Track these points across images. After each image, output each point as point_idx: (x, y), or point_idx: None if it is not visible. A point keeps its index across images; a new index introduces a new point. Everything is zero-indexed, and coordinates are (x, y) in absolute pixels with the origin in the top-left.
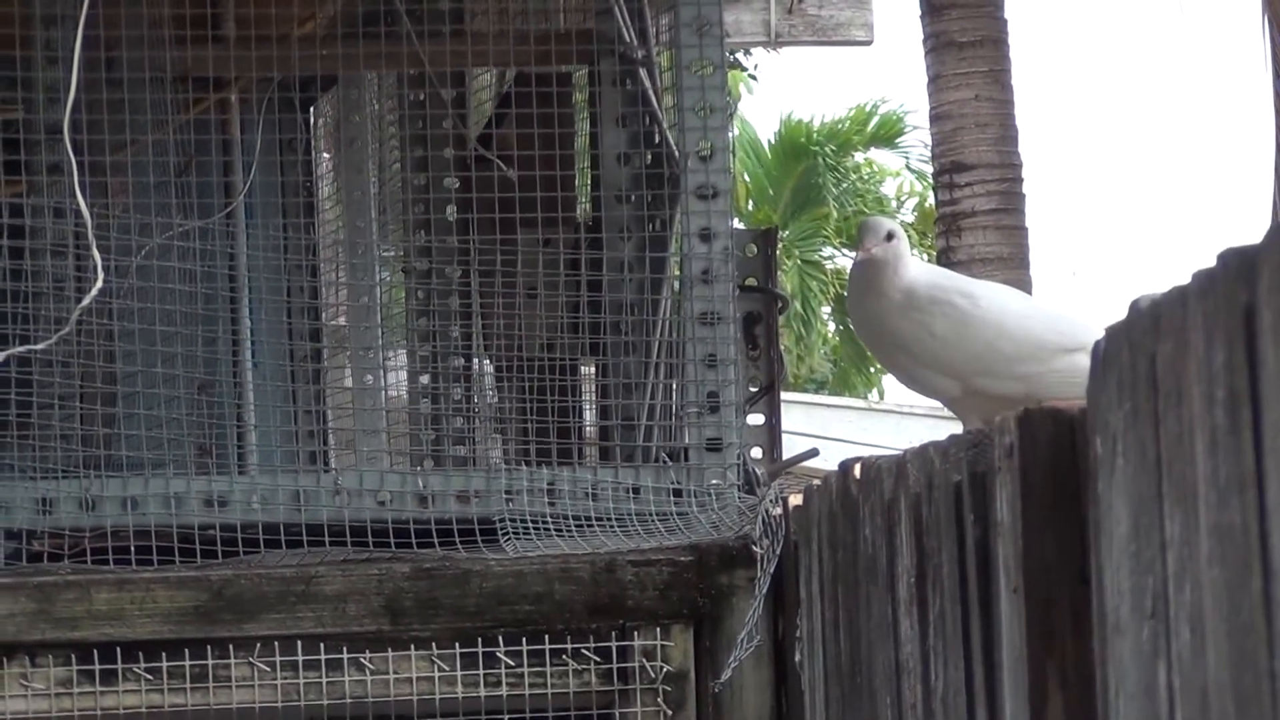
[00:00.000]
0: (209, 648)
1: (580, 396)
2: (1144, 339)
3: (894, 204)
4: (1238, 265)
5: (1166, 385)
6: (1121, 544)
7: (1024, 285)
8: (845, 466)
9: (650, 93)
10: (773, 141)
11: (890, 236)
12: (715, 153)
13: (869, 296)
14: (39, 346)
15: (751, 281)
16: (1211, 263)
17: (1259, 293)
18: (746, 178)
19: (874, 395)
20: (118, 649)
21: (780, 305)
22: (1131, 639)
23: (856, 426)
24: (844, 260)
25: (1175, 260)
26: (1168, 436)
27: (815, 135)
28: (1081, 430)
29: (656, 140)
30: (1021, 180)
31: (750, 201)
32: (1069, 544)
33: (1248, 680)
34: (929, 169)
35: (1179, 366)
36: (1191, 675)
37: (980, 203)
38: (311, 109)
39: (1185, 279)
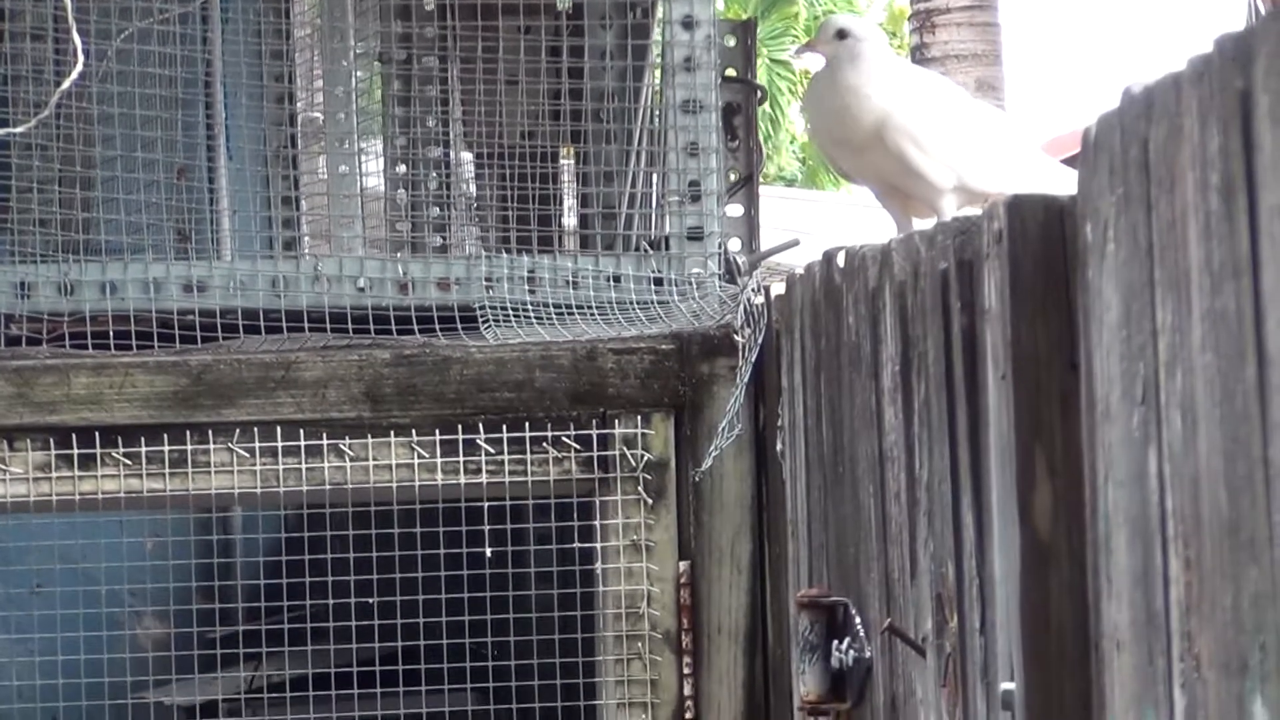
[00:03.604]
0: (188, 433)
1: (560, 185)
2: (1136, 124)
3: (863, 3)
4: (1234, 50)
5: (1159, 171)
6: (1112, 330)
7: (997, 81)
8: (829, 255)
9: None
10: None
11: (842, 35)
12: None
13: (864, 90)
14: (18, 130)
15: (731, 72)
16: (1206, 48)
17: (1255, 77)
18: None
19: (843, 192)
20: (96, 433)
21: (759, 96)
22: (1121, 426)
23: (829, 220)
24: (812, 58)
25: (1152, 60)
26: (1160, 222)
27: None
28: (1071, 217)
29: None
30: None
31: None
32: (1058, 331)
33: (1240, 467)
34: None
35: (1172, 152)
36: (1182, 462)
37: None
38: None
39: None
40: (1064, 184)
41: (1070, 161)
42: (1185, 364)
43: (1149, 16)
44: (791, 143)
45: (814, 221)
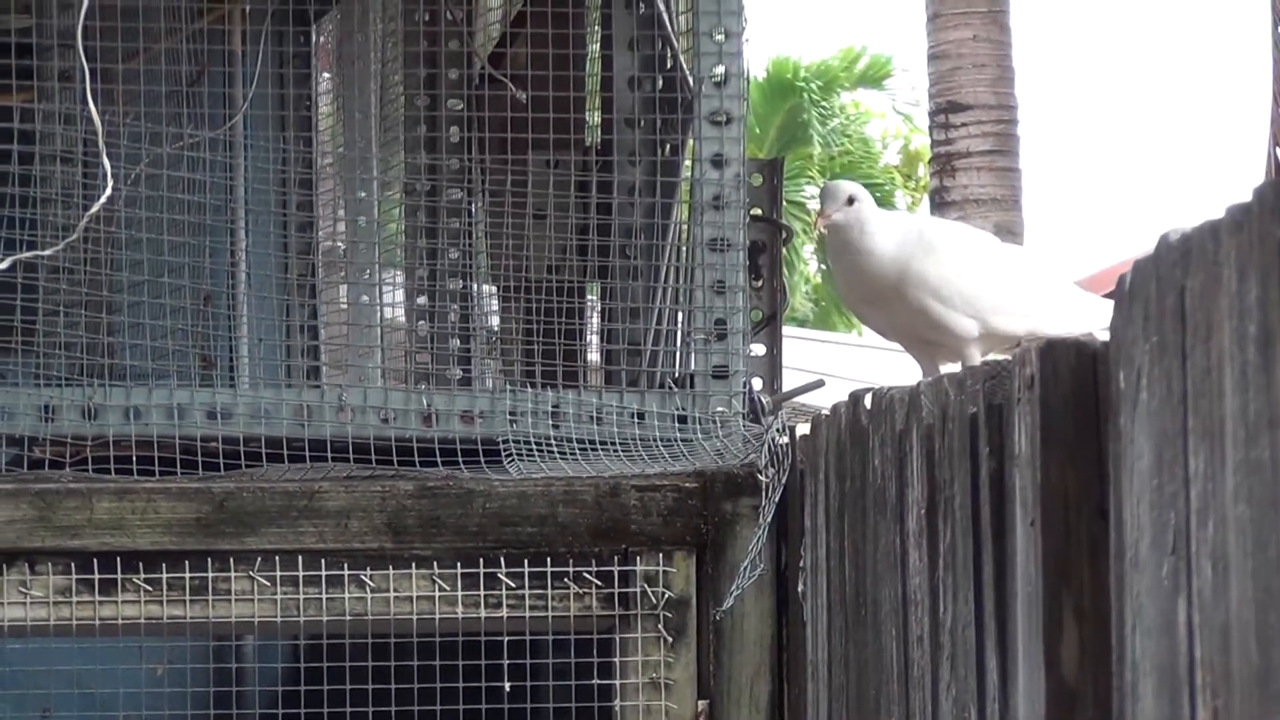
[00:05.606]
0: (209, 560)
1: (586, 320)
2: (1172, 272)
3: (879, 144)
4: (1274, 200)
5: (1195, 320)
6: (1143, 478)
7: (1016, 227)
8: (856, 396)
9: (664, 16)
10: (760, 79)
11: (851, 200)
12: (730, 78)
13: (878, 250)
14: (46, 253)
15: (756, 211)
16: (1245, 198)
17: None
18: None
19: (854, 334)
20: (118, 559)
21: (785, 236)
22: (1150, 574)
23: (845, 362)
24: (832, 226)
25: (1168, 206)
26: (1195, 371)
27: (803, 73)
28: (1104, 363)
29: (669, 64)
30: (1017, 122)
31: None
32: (1088, 477)
33: (1272, 618)
34: (914, 110)
35: (1209, 301)
36: (1213, 612)
37: (975, 143)
38: (314, 25)
39: (1215, 214)
40: (1094, 317)
41: None
42: (1218, 514)
43: (1171, 163)
44: (805, 283)
45: (828, 362)
